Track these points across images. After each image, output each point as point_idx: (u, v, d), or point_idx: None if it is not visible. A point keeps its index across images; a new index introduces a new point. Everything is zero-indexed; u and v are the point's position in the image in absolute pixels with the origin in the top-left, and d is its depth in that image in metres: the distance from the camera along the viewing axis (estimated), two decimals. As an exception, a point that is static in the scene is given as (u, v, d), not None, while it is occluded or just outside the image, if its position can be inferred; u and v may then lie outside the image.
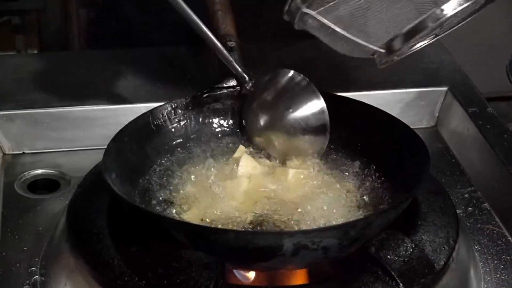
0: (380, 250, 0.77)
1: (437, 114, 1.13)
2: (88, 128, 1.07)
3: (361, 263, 0.78)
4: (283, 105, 0.92)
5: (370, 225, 0.76)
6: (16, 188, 0.97)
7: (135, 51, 1.24)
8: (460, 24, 0.85)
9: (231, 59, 0.93)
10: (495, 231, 0.93)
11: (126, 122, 0.90)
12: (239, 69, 0.94)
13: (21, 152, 1.02)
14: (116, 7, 1.36)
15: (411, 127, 0.89)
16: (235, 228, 0.80)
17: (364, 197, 0.86)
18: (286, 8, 0.84)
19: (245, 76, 0.94)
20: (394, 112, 0.93)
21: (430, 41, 0.86)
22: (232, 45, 0.96)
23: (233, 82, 0.95)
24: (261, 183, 0.86)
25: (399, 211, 0.79)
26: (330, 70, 1.18)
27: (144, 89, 1.12)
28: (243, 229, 0.80)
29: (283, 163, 0.92)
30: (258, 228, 0.80)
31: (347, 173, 0.89)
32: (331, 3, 0.80)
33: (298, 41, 1.17)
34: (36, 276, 0.84)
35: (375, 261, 0.77)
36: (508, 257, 0.89)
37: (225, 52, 0.92)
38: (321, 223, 0.80)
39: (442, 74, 1.18)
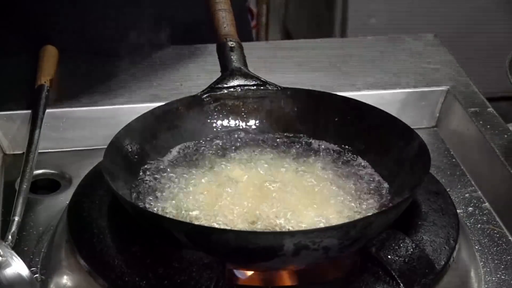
0: (381, 250, 0.77)
1: (437, 114, 1.13)
2: (88, 128, 1.07)
3: (361, 263, 0.78)
4: None
5: (371, 225, 0.76)
6: (16, 188, 0.97)
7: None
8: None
9: None
10: (495, 231, 0.93)
11: (126, 122, 0.90)
12: None
13: (21, 152, 1.02)
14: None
15: (411, 127, 0.89)
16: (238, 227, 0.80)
17: (364, 197, 0.86)
18: None
19: None
20: (394, 112, 0.93)
21: None
22: (232, 45, 0.96)
23: (233, 82, 0.95)
24: (260, 184, 0.86)
25: (400, 211, 0.79)
26: (330, 70, 1.18)
27: (145, 89, 1.12)
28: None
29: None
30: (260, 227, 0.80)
31: (346, 173, 0.89)
32: None
33: (298, 41, 1.17)
34: (36, 275, 0.84)
35: (375, 261, 0.77)
36: (508, 257, 0.89)
37: None
38: (321, 223, 0.80)
39: (442, 74, 1.18)
